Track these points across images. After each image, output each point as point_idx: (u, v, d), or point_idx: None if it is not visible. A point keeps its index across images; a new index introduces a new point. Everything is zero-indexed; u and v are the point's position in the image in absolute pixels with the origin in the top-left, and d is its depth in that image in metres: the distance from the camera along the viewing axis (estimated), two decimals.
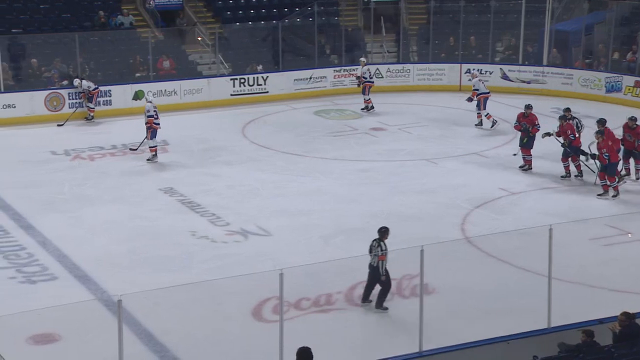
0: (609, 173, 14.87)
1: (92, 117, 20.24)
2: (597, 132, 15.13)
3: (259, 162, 17.27)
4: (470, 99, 19.88)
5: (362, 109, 21.33)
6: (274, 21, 24.27)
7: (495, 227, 13.44)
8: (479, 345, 8.86)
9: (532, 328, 9.19)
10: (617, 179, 15.02)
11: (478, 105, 19.78)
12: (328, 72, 23.51)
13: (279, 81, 22.64)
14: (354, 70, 23.59)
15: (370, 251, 10.60)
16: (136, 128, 19.43)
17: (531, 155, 16.38)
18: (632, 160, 15.81)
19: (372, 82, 21.56)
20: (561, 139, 15.92)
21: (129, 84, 21.45)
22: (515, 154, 16.57)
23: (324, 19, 25.21)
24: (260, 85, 22.70)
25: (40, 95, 20.34)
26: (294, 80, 22.99)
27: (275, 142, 18.64)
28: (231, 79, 22.48)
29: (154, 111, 17.22)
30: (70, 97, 20.57)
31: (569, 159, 15.84)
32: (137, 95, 21.27)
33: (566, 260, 10.83)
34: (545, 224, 9.31)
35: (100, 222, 13.79)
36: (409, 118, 20.80)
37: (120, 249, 12.69)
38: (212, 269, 11.91)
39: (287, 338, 8.33)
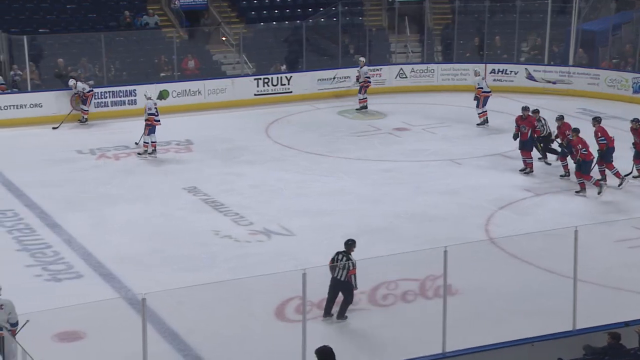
0: (583, 171, 14.87)
1: (86, 120, 19.98)
2: (572, 130, 15.21)
3: (282, 162, 17.29)
4: (477, 98, 19.89)
5: (357, 109, 21.29)
6: (298, 21, 24.30)
7: (519, 228, 13.33)
8: (503, 347, 8.81)
9: (557, 330, 9.11)
10: (597, 178, 14.98)
11: (477, 104, 19.76)
12: (352, 72, 23.44)
13: (303, 81, 22.65)
14: (377, 70, 23.56)
15: (334, 264, 10.16)
16: (160, 127, 19.56)
17: (532, 157, 16.22)
18: None
19: (370, 83, 21.54)
20: (558, 139, 15.92)
21: (153, 83, 21.57)
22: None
23: (347, 19, 25.19)
24: (284, 85, 22.73)
25: (67, 94, 20.52)
26: (318, 80, 22.99)
27: (299, 142, 18.65)
28: (255, 79, 22.53)
29: (155, 109, 17.59)
30: (96, 97, 20.73)
31: (567, 158, 15.74)
32: (162, 95, 21.39)
33: (591, 262, 10.73)
34: (570, 226, 9.23)
35: (125, 221, 13.89)
36: (433, 118, 20.71)
37: (144, 247, 12.77)
38: (235, 268, 11.94)
39: (309, 338, 8.33)
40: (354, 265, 10.13)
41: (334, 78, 23.25)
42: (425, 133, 19.46)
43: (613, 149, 15.42)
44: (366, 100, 21.34)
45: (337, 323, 10.35)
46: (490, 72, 23.44)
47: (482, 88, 19.89)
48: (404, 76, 23.84)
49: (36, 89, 20.66)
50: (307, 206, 14.58)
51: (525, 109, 16.55)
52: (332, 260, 10.28)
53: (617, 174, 15.35)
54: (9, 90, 20.43)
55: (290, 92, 22.66)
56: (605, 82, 22.55)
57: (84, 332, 9.88)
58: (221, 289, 10.62)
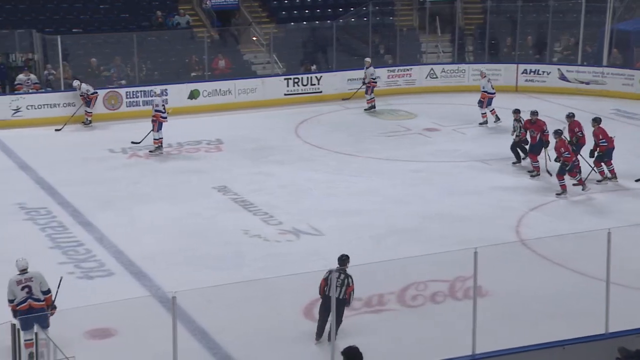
0: (560, 172, 14.94)
1: (90, 122, 19.76)
2: (554, 133, 15.22)
3: (311, 161, 17.30)
4: (481, 101, 19.88)
5: (366, 109, 21.28)
6: (329, 21, 24.31)
7: (550, 229, 13.20)
8: (533, 349, 8.72)
9: (589, 333, 8.99)
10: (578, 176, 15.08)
11: (481, 105, 19.66)
12: (382, 72, 23.42)
13: (333, 81, 22.65)
14: (408, 69, 23.48)
15: (333, 282, 9.24)
16: (191, 127, 19.70)
17: (538, 161, 16.04)
18: None
19: (376, 83, 21.49)
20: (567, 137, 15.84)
21: (184, 83, 21.73)
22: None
23: (378, 18, 25.14)
24: (314, 85, 22.75)
25: (99, 94, 20.72)
26: (348, 80, 22.96)
27: (328, 142, 18.65)
28: (285, 79, 22.57)
29: (163, 106, 17.89)
30: (128, 96, 20.93)
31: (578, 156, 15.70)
32: (193, 95, 21.54)
33: (624, 264, 10.56)
34: (603, 228, 9.11)
35: (156, 220, 14.00)
36: (463, 119, 20.58)
37: (174, 246, 12.85)
38: (264, 267, 11.97)
39: (338, 338, 8.33)
40: (352, 281, 9.57)
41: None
42: (456, 134, 19.35)
43: (613, 149, 15.51)
44: (374, 100, 21.33)
45: (364, 322, 10.33)
46: (522, 73, 23.24)
47: (486, 91, 19.88)
48: (435, 76, 23.73)
49: (69, 88, 20.91)
50: (336, 206, 14.58)
51: (533, 113, 16.31)
52: (326, 279, 9.54)
53: (611, 171, 15.52)
54: (43, 89, 20.68)
55: (320, 92, 22.67)
56: None
57: (115, 329, 9.98)
58: (250, 288, 10.66)
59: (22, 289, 9.38)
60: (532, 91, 22.84)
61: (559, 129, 15.32)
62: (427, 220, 13.89)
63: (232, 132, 19.32)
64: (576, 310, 10.34)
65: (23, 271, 9.52)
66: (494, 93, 19.94)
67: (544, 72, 23.22)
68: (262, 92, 22.20)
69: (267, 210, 14.34)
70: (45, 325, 9.01)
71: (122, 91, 20.92)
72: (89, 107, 19.86)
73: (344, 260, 9.81)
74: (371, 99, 21.34)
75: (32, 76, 20.72)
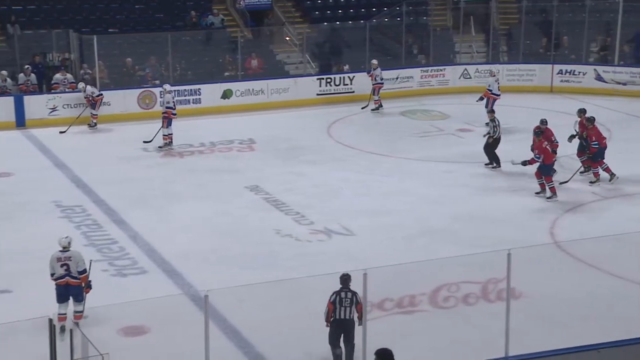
0: (543, 173, 14.75)
1: (95, 124, 19.71)
2: (534, 133, 15.14)
3: (343, 161, 17.29)
4: (481, 98, 19.68)
5: (373, 109, 21.22)
6: (362, 21, 24.27)
7: (585, 232, 13.05)
8: (567, 352, 8.60)
9: (625, 337, 8.86)
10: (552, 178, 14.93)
11: (487, 105, 19.44)
12: (415, 72, 23.35)
13: (366, 81, 22.62)
14: (441, 70, 23.35)
15: (341, 303, 8.95)
16: (224, 126, 19.81)
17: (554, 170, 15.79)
18: None
19: (382, 84, 21.41)
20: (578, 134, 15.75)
21: (217, 82, 21.85)
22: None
23: (412, 18, 25.05)
24: (347, 85, 22.73)
25: (134, 93, 20.95)
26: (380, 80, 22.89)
27: (360, 142, 18.62)
28: (318, 79, 22.59)
29: (173, 102, 18.21)
30: (162, 96, 21.08)
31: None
32: (226, 94, 21.65)
33: None
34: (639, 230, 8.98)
35: (188, 218, 14.09)
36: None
37: (206, 245, 12.92)
38: (295, 267, 11.98)
39: (370, 338, 8.30)
40: (359, 298, 8.96)
41: (397, 78, 23.15)
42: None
43: (605, 148, 15.42)
44: (380, 101, 21.28)
45: (396, 322, 10.29)
46: (558, 73, 22.98)
47: (491, 90, 19.66)
48: (468, 76, 23.57)
49: (105, 87, 21.15)
50: (367, 206, 14.55)
51: (543, 122, 15.77)
52: (334, 302, 9.06)
53: (607, 170, 15.38)
54: (79, 89, 20.93)
55: (353, 92, 22.64)
56: None
57: (148, 327, 10.06)
58: (282, 287, 10.67)
59: (61, 266, 10.00)
60: (567, 92, 22.57)
61: (540, 129, 15.16)
62: (459, 221, 13.80)
63: (264, 132, 19.39)
64: (612, 314, 10.19)
65: (64, 249, 10.11)
66: (499, 95, 19.70)
67: (579, 72, 22.94)
68: (295, 91, 22.24)
69: (299, 210, 14.36)
70: (80, 299, 10.00)
71: (156, 90, 21.10)
72: (94, 109, 19.82)
73: (346, 279, 9.19)
74: (377, 99, 21.33)
75: (69, 75, 20.98)
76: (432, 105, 21.84)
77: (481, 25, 25.34)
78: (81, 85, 19.99)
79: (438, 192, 15.30)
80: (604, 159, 15.47)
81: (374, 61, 21.70)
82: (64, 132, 19.49)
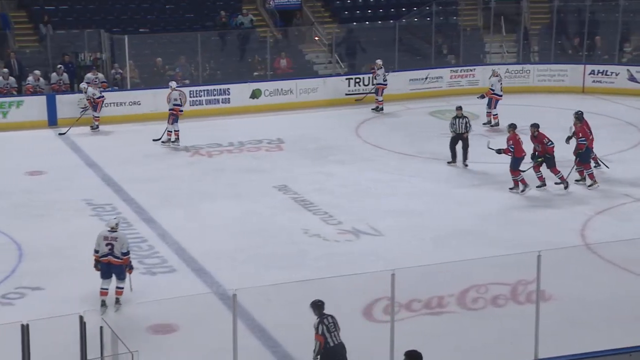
0: (512, 167, 14.85)
1: (97, 126, 19.62)
2: (508, 126, 15.31)
3: (372, 161, 17.26)
4: (482, 96, 19.65)
5: (373, 109, 21.22)
6: (392, 21, 24.21)
7: (617, 234, 12.89)
8: (598, 355, 8.51)
9: None
10: (521, 174, 14.99)
11: (489, 104, 19.32)
12: (444, 72, 23.23)
13: (395, 81, 22.54)
14: (471, 70, 23.20)
15: (329, 331, 8.52)
16: (252, 126, 19.87)
17: (540, 172, 15.50)
18: None
19: (386, 85, 21.34)
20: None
21: (246, 82, 21.93)
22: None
23: (442, 18, 24.93)
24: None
25: (164, 92, 21.09)
26: (410, 80, 22.85)
27: (389, 142, 18.58)
28: (346, 79, 22.58)
29: (180, 99, 18.44)
30: (192, 95, 21.23)
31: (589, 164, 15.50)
32: (255, 94, 21.73)
33: None
34: None
35: (217, 217, 14.16)
36: (527, 120, 20.17)
37: (234, 244, 12.97)
38: (323, 267, 11.99)
39: (397, 339, 8.28)
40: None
41: (426, 78, 23.06)
42: (519, 135, 18.98)
43: (591, 150, 15.39)
44: (382, 103, 21.26)
45: (424, 323, 10.24)
46: (590, 73, 22.73)
47: (494, 90, 19.59)
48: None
49: (135, 87, 21.32)
50: (396, 206, 14.51)
51: (534, 125, 15.54)
52: (323, 333, 8.52)
53: (590, 175, 15.22)
54: (110, 88, 21.14)
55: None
56: None
57: (176, 324, 10.12)
58: (310, 287, 10.66)
59: (107, 245, 10.60)
60: (599, 92, 22.30)
61: (513, 123, 15.35)
62: (488, 222, 13.71)
63: (293, 132, 19.42)
64: None
65: (112, 229, 10.70)
66: (501, 96, 19.61)
67: (612, 72, 22.67)
68: (324, 91, 22.25)
69: (327, 209, 14.36)
70: (122, 277, 10.64)
71: (186, 90, 21.23)
72: (95, 111, 19.70)
73: (320, 306, 8.71)
74: (381, 100, 21.27)
75: (100, 75, 21.18)
76: (462, 105, 21.65)
77: (512, 24, 25.14)
78: (83, 86, 19.99)
79: (467, 192, 15.21)
80: (589, 162, 15.39)
81: (379, 61, 21.64)
82: (64, 133, 19.43)
